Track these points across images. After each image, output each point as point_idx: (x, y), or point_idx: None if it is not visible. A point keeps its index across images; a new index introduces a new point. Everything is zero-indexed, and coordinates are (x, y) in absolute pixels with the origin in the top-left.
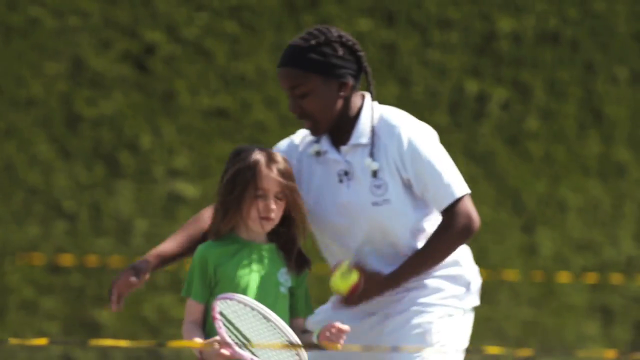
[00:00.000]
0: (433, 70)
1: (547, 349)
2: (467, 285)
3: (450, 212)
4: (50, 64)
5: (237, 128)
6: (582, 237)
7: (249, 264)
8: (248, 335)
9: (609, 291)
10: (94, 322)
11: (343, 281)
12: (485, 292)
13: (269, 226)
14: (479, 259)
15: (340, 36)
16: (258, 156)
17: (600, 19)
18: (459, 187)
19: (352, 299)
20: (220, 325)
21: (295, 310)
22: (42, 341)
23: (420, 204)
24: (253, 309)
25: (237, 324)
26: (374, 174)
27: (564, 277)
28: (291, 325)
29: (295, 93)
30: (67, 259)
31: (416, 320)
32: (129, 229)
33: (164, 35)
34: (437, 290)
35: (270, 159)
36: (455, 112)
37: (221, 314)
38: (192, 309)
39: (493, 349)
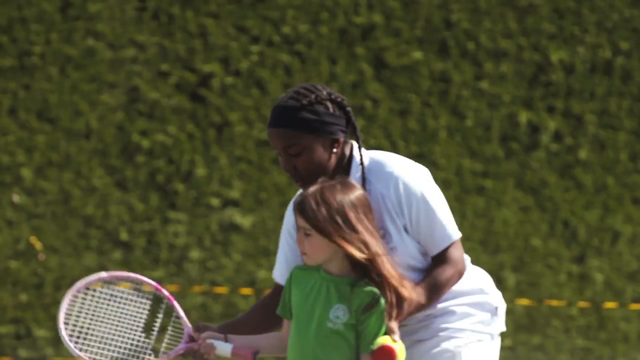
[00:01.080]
0: (485, 101)
1: None
2: (493, 311)
3: (446, 254)
4: (106, 95)
5: None
6: (633, 267)
7: (309, 292)
8: None
9: None
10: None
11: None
12: (537, 322)
13: (307, 260)
14: (530, 289)
15: (329, 93)
16: (298, 194)
17: None
18: (454, 230)
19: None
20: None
21: (359, 347)
22: None
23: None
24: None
25: None
26: None
27: (615, 306)
28: None
29: (289, 152)
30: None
31: (445, 345)
32: (183, 259)
33: (218, 66)
34: (466, 315)
35: (302, 196)
36: (507, 142)
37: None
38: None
39: None
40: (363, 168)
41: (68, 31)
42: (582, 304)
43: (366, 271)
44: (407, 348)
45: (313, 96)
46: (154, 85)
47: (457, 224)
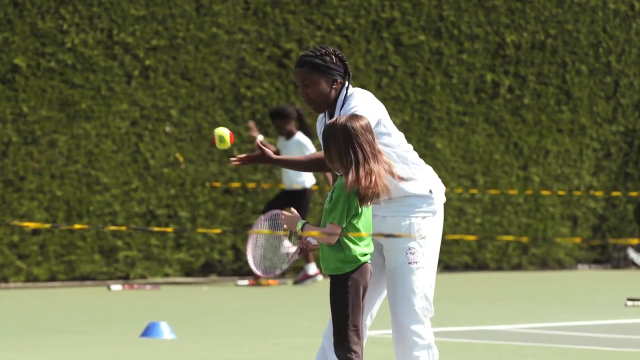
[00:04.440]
0: (465, 67)
1: None
2: (429, 196)
3: None
4: (224, 63)
5: None
6: (558, 172)
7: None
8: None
9: None
10: (249, 225)
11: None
12: (497, 206)
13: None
14: (493, 185)
15: (335, 51)
16: None
17: None
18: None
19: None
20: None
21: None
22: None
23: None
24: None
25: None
26: None
27: (547, 195)
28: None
29: (304, 84)
30: (235, 185)
31: (403, 222)
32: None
33: (295, 45)
34: (412, 203)
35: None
36: (478, 93)
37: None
38: None
39: None
40: (345, 96)
41: (200, 23)
42: (527, 193)
43: None
44: (377, 224)
45: (323, 51)
46: (254, 56)
47: (446, 146)
